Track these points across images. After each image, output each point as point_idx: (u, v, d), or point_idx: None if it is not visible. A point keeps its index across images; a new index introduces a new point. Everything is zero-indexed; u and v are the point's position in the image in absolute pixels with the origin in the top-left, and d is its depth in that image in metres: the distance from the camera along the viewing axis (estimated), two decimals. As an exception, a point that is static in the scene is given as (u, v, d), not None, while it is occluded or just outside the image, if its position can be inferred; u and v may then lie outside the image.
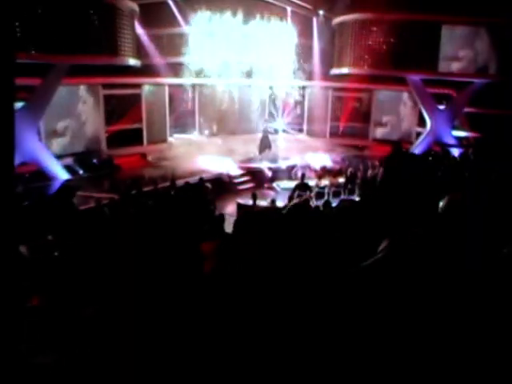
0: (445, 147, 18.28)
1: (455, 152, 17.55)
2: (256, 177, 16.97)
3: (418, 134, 20.66)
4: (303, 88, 21.77)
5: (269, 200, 11.93)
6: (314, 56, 21.01)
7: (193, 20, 19.02)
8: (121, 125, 18.47)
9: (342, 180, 14.86)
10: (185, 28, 19.11)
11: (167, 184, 13.09)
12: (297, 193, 12.75)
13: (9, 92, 1.93)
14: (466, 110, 19.77)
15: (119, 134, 18.36)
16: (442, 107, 19.77)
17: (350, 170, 14.93)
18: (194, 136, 20.41)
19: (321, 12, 19.88)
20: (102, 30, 16.46)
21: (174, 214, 9.35)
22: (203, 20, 19.08)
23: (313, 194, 13.15)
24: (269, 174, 17.07)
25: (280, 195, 14.47)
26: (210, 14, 19.00)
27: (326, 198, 12.92)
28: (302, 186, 13.26)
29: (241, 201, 13.54)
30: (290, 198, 12.53)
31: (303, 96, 21.78)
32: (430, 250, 2.25)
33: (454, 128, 19.92)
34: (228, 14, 19.13)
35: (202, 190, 12.31)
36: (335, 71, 20.42)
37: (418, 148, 19.79)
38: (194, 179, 13.54)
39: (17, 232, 2.06)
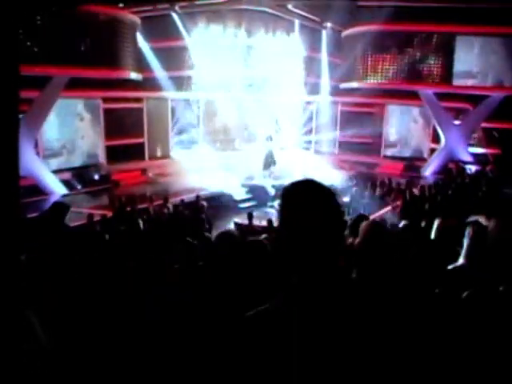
0: (460, 164, 17.22)
1: (472, 169, 16.56)
2: (258, 195, 16.10)
3: (432, 151, 19.67)
4: (311, 103, 20.99)
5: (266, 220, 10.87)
6: (322, 70, 20.29)
7: (197, 33, 18.55)
8: (122, 139, 17.92)
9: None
10: (188, 41, 18.62)
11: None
12: None
13: (14, 105, 1.98)
14: (483, 125, 18.73)
15: (120, 148, 17.83)
16: (457, 122, 18.78)
17: (354, 188, 13.97)
18: (197, 151, 19.77)
19: (328, 24, 19.20)
20: (102, 42, 16.16)
21: (163, 235, 8.96)
22: (207, 33, 18.62)
23: None
24: (272, 192, 16.24)
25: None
26: (213, 28, 18.51)
27: None
28: None
29: (239, 220, 12.78)
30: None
31: (311, 111, 21.03)
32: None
33: (471, 144, 18.88)
34: (232, 27, 18.63)
35: (197, 209, 11.77)
36: (344, 85, 19.68)
37: (431, 166, 18.84)
38: (190, 197, 13.01)
39: (20, 240, 2.11)
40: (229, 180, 16.38)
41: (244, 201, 15.97)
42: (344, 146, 20.87)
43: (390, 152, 20.67)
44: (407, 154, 20.47)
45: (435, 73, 18.55)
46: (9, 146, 1.94)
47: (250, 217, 10.91)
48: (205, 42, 18.73)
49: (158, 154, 18.94)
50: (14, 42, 2.01)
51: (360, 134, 20.37)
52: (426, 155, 20.12)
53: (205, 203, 12.27)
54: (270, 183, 16.62)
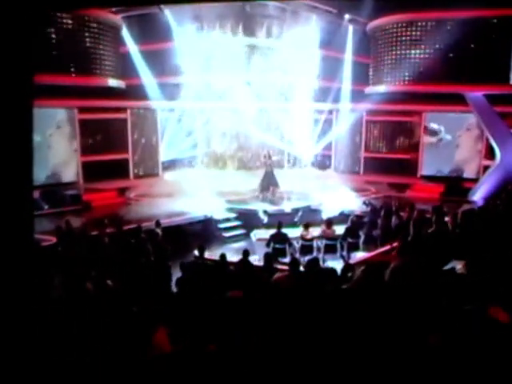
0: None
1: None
2: (248, 222, 13.52)
3: (485, 168, 15.43)
4: (330, 112, 17.54)
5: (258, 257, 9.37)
6: (343, 72, 16.86)
7: (192, 34, 16.05)
8: (102, 155, 15.82)
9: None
10: (182, 43, 16.12)
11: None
12: (272, 245, 10.20)
13: (27, 113, 2.06)
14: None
15: (100, 165, 15.72)
16: (516, 132, 14.57)
17: (352, 216, 11.27)
18: (191, 170, 17.06)
19: (347, 16, 15.77)
20: (76, 46, 14.35)
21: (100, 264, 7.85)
22: (204, 34, 16.07)
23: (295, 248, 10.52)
24: (264, 218, 13.19)
25: (258, 247, 11.29)
26: (210, 28, 15.95)
27: (314, 254, 10.27)
28: (279, 237, 10.36)
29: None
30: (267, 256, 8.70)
31: (330, 122, 17.57)
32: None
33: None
34: (231, 28, 15.97)
35: (154, 237, 10.37)
36: (371, 90, 16.10)
37: (482, 188, 14.68)
38: (149, 224, 11.35)
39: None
40: (216, 203, 13.89)
41: (230, 228, 13.48)
42: (370, 163, 17.07)
43: (429, 171, 16.57)
44: (452, 173, 16.30)
45: (486, 69, 14.55)
46: (23, 151, 2.02)
47: (201, 250, 8.75)
48: (201, 44, 16.16)
49: (145, 172, 16.48)
50: (29, 51, 2.04)
51: (390, 150, 16.57)
52: (475, 175, 15.86)
53: (159, 231, 10.64)
54: (264, 208, 13.52)
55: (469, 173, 16.29)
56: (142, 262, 9.03)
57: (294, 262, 7.89)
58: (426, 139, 16.56)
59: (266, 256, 8.72)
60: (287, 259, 9.40)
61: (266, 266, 8.61)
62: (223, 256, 8.56)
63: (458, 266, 4.53)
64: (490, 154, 15.51)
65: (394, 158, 16.62)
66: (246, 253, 8.97)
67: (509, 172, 14.58)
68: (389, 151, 16.68)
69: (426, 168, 16.59)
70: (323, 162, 17.71)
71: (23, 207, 1.99)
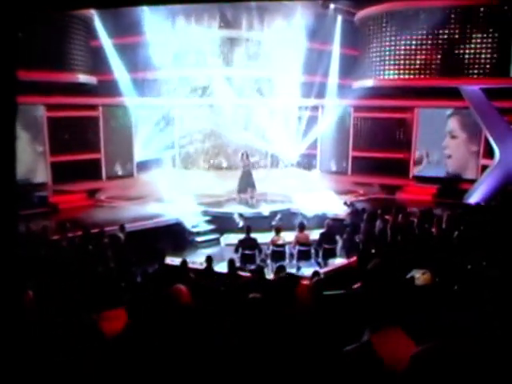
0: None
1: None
2: (223, 225, 12.65)
3: (484, 168, 14.26)
4: (315, 108, 16.51)
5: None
6: (330, 65, 15.75)
7: (166, 27, 15.12)
8: (72, 155, 14.96)
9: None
10: (156, 37, 15.15)
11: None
12: (240, 251, 9.67)
13: (12, 111, 2.03)
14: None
15: (71, 165, 14.88)
16: (516, 129, 13.39)
17: (327, 220, 10.45)
18: (167, 170, 16.09)
19: (332, 5, 14.66)
20: (42, 40, 13.54)
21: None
22: (178, 27, 15.15)
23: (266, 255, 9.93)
24: (240, 222, 12.27)
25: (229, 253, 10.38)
26: (186, 19, 15.02)
27: (286, 261, 9.64)
28: (248, 243, 9.79)
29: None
30: (230, 264, 8.19)
31: (315, 119, 16.46)
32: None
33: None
34: (208, 19, 15.01)
35: (116, 242, 9.81)
36: (359, 84, 15.00)
37: (479, 189, 13.52)
38: (113, 228, 10.67)
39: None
40: (190, 206, 13.04)
41: (202, 233, 12.60)
42: (359, 163, 15.90)
43: (422, 171, 15.35)
44: (447, 173, 15.11)
45: (483, 61, 13.28)
46: (6, 150, 2.01)
47: (162, 255, 8.32)
48: (177, 37, 15.23)
49: (119, 172, 15.57)
50: (13, 47, 2.04)
51: (381, 148, 15.41)
52: (473, 175, 14.66)
53: (122, 236, 10.10)
54: (239, 211, 12.57)
55: (466, 173, 15.07)
56: (98, 270, 8.26)
57: (259, 269, 7.58)
58: (415, 169, 15.50)
59: (230, 263, 8.26)
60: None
61: (230, 273, 8.17)
62: (184, 262, 8.06)
63: (417, 275, 4.19)
64: (488, 151, 14.37)
65: (385, 158, 15.42)
66: (209, 259, 8.59)
67: (509, 172, 13.40)
68: (379, 150, 15.50)
69: (419, 169, 15.40)
70: (308, 162, 16.60)
71: (5, 207, 2.00)
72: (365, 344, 1.96)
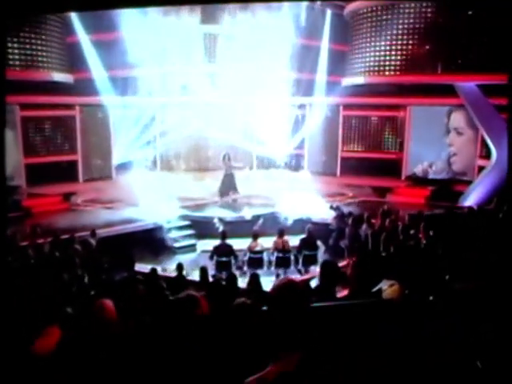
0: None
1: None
2: (202, 230, 12.03)
3: (480, 169, 13.52)
4: (302, 106, 15.79)
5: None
6: (318, 61, 15.10)
7: (146, 22, 14.48)
8: (47, 156, 14.50)
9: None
10: (136, 33, 14.51)
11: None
12: (216, 259, 9.24)
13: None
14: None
15: (46, 167, 14.42)
16: (515, 127, 12.59)
17: (308, 225, 10.06)
18: (146, 172, 15.46)
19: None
20: (15, 35, 12.95)
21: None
22: (159, 22, 14.49)
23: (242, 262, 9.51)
24: (219, 226, 11.59)
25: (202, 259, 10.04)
26: (166, 14, 14.39)
27: (264, 267, 9.44)
28: (223, 249, 9.30)
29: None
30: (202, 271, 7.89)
31: (303, 118, 15.75)
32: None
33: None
34: (189, 14, 14.40)
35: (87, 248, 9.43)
36: (348, 81, 14.31)
37: (475, 191, 12.83)
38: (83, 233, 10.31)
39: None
40: (169, 209, 12.40)
41: (181, 238, 12.00)
42: (349, 164, 15.23)
43: (416, 172, 14.64)
44: (442, 174, 14.39)
45: (479, 55, 12.89)
46: None
47: (131, 263, 8.07)
48: (158, 32, 14.59)
49: (96, 175, 14.93)
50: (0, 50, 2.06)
51: (372, 148, 14.71)
52: (470, 177, 13.95)
53: (93, 242, 9.73)
54: (220, 215, 11.91)
55: (471, 173, 14.34)
56: (63, 277, 7.84)
57: (231, 278, 7.25)
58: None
59: (202, 270, 7.96)
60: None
61: (202, 281, 7.88)
62: (154, 270, 7.94)
63: (384, 286, 3.88)
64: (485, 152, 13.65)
65: (376, 158, 14.73)
66: (179, 266, 8.32)
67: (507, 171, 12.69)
68: (370, 150, 14.79)
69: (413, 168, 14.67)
70: (296, 163, 15.95)
71: None
72: None
